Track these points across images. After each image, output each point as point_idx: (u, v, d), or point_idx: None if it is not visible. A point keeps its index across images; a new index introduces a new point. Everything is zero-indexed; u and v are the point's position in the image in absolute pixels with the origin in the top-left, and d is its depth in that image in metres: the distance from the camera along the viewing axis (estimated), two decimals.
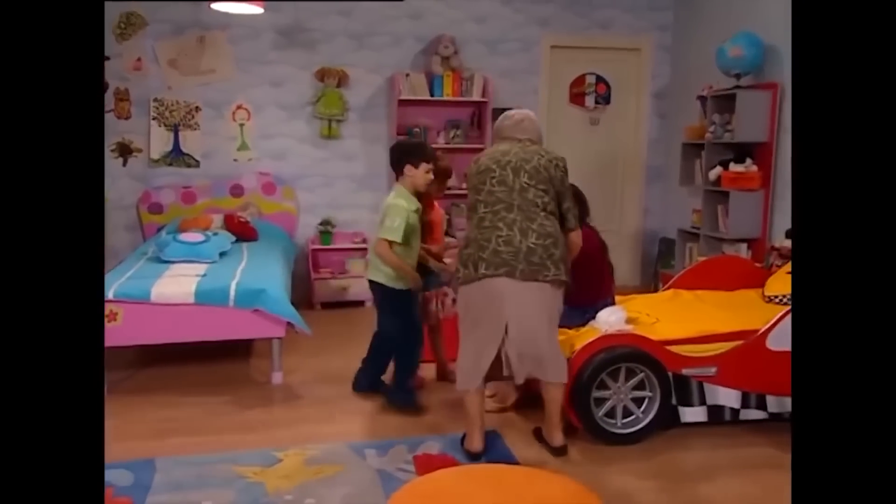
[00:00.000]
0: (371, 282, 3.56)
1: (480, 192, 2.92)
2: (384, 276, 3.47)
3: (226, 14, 5.25)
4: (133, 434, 3.25)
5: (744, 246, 5.11)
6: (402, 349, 3.55)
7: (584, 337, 3.14)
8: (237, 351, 4.37)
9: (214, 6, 4.59)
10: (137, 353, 4.20)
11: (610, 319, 3.18)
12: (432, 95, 5.78)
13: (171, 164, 5.63)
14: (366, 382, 3.74)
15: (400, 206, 3.37)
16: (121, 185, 5.55)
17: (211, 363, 4.19)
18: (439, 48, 5.76)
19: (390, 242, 3.35)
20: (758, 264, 4.51)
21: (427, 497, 1.95)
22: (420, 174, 3.42)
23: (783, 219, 4.90)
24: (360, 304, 5.68)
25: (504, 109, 5.90)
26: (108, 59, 5.37)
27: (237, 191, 5.69)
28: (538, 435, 3.16)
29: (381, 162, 5.93)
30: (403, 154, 3.45)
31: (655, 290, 5.98)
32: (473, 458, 2.97)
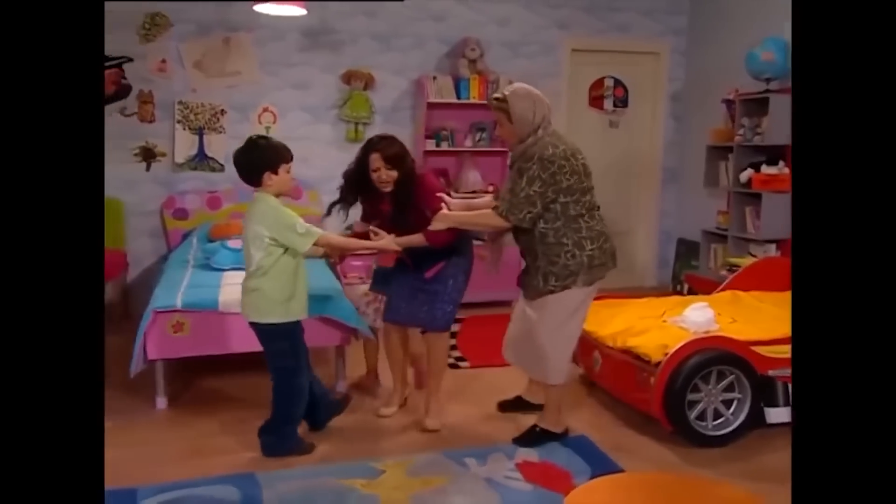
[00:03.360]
0: (257, 325, 3.01)
1: (589, 192, 3.08)
2: (279, 310, 2.97)
3: (252, 15, 5.13)
4: (215, 448, 3.16)
5: (772, 246, 5.22)
6: (296, 382, 3.08)
7: (674, 338, 3.16)
8: None
9: (257, 8, 4.49)
10: (185, 365, 4.07)
11: (699, 320, 3.21)
12: (458, 98, 5.76)
13: (195, 169, 5.50)
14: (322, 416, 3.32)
15: (285, 209, 2.95)
16: (144, 190, 5.40)
17: (262, 374, 4.07)
18: (466, 51, 5.74)
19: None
20: None
21: None
22: (283, 178, 2.97)
23: None
24: None
25: None
26: (131, 60, 5.23)
27: None
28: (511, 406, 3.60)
29: None
30: (260, 165, 2.93)
31: (677, 292, 6.09)
32: (564, 433, 3.27)
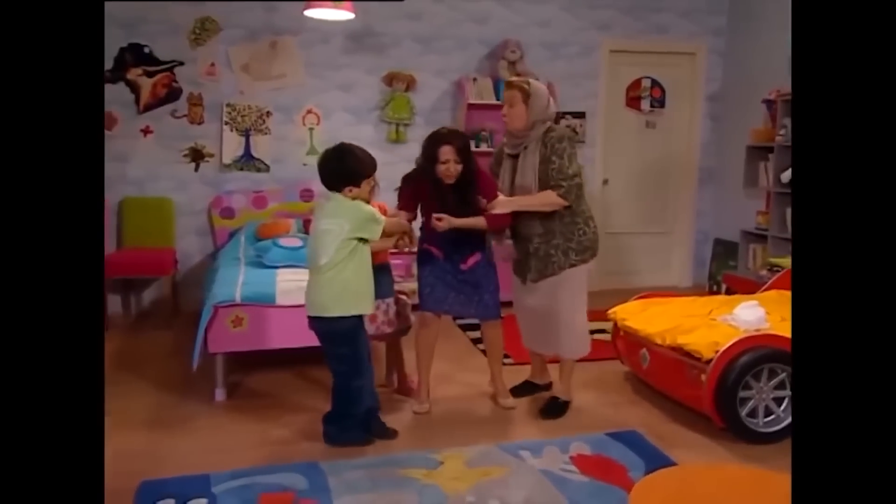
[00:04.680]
0: (320, 320, 3.02)
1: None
2: (346, 303, 3.00)
3: (298, 19, 5.24)
4: (275, 438, 3.26)
5: None
6: (354, 385, 3.11)
7: (724, 336, 3.20)
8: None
9: (308, 12, 4.60)
10: (237, 359, 4.18)
11: (750, 318, 3.26)
12: (498, 99, 5.83)
13: (241, 169, 5.63)
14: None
15: (360, 202, 3.00)
16: (192, 189, 5.55)
17: (311, 369, 4.18)
18: (506, 53, 5.82)
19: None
20: None
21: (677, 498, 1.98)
22: (362, 192, 3.02)
23: None
24: None
25: (567, 114, 6.14)
26: (182, 64, 5.37)
27: (307, 195, 5.70)
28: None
29: None
30: (345, 176, 2.98)
31: (714, 291, 6.11)
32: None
